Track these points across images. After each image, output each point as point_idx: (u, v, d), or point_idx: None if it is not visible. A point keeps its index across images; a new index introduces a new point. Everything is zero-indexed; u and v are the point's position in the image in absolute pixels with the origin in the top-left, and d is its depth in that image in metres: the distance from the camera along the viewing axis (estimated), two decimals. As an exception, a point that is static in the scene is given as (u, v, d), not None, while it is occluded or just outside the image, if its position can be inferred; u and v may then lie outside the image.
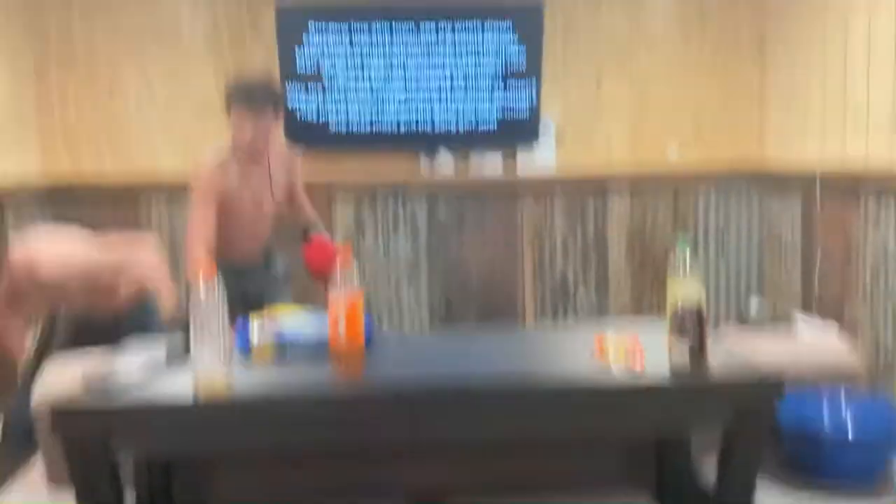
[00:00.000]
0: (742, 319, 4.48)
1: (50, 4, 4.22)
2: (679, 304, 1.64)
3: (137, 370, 1.63)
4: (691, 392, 1.63)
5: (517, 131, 4.31)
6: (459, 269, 4.48)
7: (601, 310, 4.58)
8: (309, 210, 3.29)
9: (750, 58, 4.44)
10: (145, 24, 4.26)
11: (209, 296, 1.54)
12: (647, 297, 4.59)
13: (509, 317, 4.51)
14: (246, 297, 2.91)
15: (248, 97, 2.80)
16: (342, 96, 4.24)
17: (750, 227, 4.58)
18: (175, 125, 4.29)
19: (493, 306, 4.52)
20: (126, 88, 4.25)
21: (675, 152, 4.48)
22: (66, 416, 1.48)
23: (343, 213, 4.43)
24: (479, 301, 4.53)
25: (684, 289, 1.64)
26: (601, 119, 4.47)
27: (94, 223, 2.63)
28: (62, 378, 1.89)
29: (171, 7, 4.26)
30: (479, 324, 4.45)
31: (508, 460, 1.96)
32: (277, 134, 3.03)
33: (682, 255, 1.65)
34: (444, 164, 4.35)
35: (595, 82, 4.44)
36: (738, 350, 1.79)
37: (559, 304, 4.56)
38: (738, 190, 4.52)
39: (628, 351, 1.71)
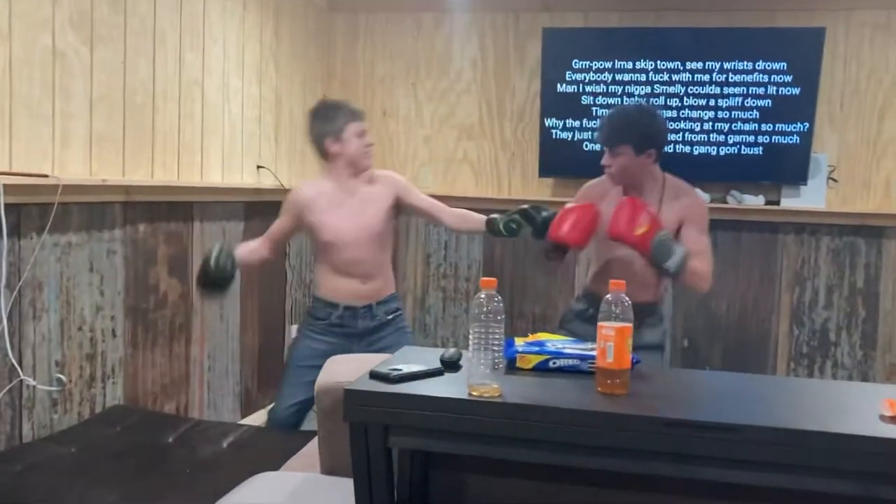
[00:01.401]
0: None
1: (341, 34, 4.67)
2: None
3: (416, 367, 1.75)
4: None
5: (784, 168, 4.08)
6: (707, 306, 4.31)
7: (865, 368, 4.18)
8: (466, 213, 3.13)
9: None
10: (419, 49, 4.58)
11: (490, 305, 1.62)
12: (922, 358, 4.13)
13: (758, 364, 4.26)
14: (360, 341, 2.93)
15: (360, 110, 3.00)
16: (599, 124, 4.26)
17: None
18: (439, 144, 4.56)
19: (742, 351, 4.29)
20: (397, 110, 4.58)
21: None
22: (356, 402, 1.61)
23: (590, 241, 4.43)
24: (725, 343, 4.32)
25: None
26: (881, 158, 4.11)
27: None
28: (343, 368, 2.08)
29: (444, 36, 4.54)
30: (724, 368, 4.24)
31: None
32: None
33: None
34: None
35: (876, 118, 4.09)
36: None
37: (817, 356, 4.23)
38: None
39: (926, 411, 1.55)
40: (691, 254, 2.60)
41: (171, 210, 3.28)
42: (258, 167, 3.94)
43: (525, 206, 2.92)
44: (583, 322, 2.87)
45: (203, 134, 3.48)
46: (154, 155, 3.15)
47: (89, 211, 2.81)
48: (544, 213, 2.87)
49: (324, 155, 2.97)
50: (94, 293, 2.85)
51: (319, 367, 2.30)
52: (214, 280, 2.82)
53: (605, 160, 2.75)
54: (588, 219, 2.69)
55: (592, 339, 2.36)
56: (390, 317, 3.01)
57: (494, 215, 2.98)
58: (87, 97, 2.77)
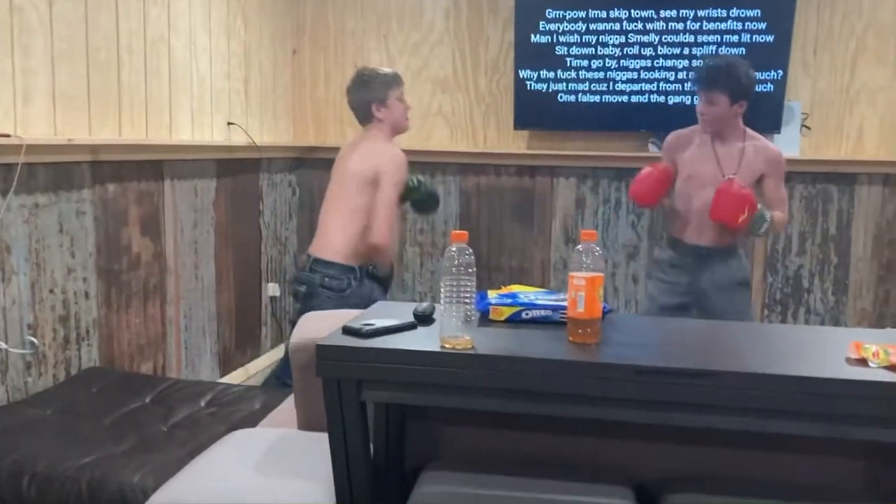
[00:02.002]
0: None
1: (308, -15, 4.57)
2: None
3: (389, 322, 1.75)
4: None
5: (758, 115, 4.07)
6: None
7: (836, 314, 4.25)
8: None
9: None
10: (390, 1, 4.50)
11: (461, 258, 1.61)
12: (892, 303, 4.19)
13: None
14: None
15: (399, 79, 3.18)
16: (574, 75, 4.24)
17: None
18: (412, 98, 4.50)
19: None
20: (369, 64, 4.51)
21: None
22: (328, 357, 1.62)
23: (565, 192, 4.44)
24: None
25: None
26: (853, 104, 4.12)
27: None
28: (318, 325, 2.08)
29: (416, -14, 4.46)
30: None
31: (739, 453, 1.89)
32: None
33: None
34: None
35: (849, 64, 4.10)
36: None
37: (790, 303, 4.29)
38: None
39: (891, 353, 1.57)
40: (773, 202, 3.03)
41: (141, 169, 3.23)
42: (229, 124, 3.89)
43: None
44: (672, 269, 3.18)
45: (171, 91, 3.42)
46: (121, 113, 3.09)
47: (56, 171, 2.76)
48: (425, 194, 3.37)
49: (367, 119, 3.18)
50: (64, 255, 2.82)
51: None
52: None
53: (701, 107, 3.00)
54: (653, 180, 3.08)
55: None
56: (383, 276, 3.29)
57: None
58: (48, 53, 2.70)
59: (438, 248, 4.60)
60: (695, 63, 4.07)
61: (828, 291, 4.24)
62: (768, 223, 2.95)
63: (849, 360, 1.60)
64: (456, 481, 1.77)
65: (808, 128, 4.15)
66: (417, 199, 3.37)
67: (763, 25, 4.01)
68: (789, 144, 4.12)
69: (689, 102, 4.11)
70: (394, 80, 3.16)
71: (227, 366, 3.96)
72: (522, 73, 4.28)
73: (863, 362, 1.58)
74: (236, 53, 3.96)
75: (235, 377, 3.99)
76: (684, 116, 4.15)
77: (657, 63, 4.14)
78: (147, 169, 3.27)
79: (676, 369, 1.53)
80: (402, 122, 3.19)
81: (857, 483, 1.85)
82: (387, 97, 3.13)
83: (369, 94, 3.13)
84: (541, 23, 4.21)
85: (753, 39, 4.03)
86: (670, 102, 4.15)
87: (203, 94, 3.67)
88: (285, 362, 3.34)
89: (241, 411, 2.56)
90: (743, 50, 4.04)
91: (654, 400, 1.54)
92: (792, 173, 4.18)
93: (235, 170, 3.98)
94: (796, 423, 1.53)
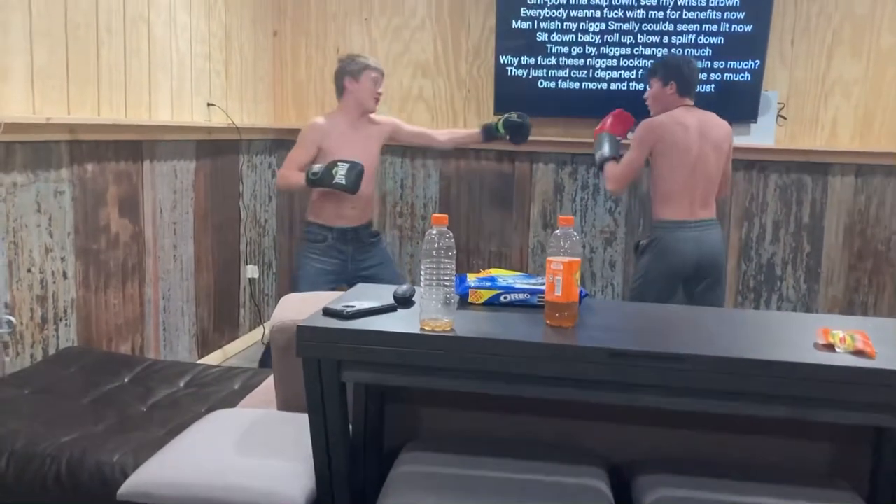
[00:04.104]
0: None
1: (290, -34, 4.54)
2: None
3: (369, 304, 1.77)
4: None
5: (735, 105, 4.13)
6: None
7: (808, 301, 4.33)
8: (457, 131, 3.91)
9: None
10: (373, -15, 4.48)
11: (441, 241, 1.64)
12: (862, 291, 4.28)
13: (707, 297, 4.37)
14: (352, 261, 3.44)
15: (380, 69, 3.42)
16: (554, 62, 4.26)
17: None
18: (393, 82, 4.51)
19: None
20: (351, 48, 4.50)
21: (912, 136, 4.11)
22: (308, 338, 1.64)
23: (544, 178, 4.47)
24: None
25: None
26: (829, 95, 4.18)
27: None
28: (298, 307, 2.09)
29: (398, -30, 4.45)
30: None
31: (709, 436, 1.94)
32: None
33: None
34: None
35: (825, 55, 4.15)
36: None
37: (763, 290, 4.36)
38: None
39: (858, 339, 1.62)
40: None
41: (120, 149, 3.21)
42: (208, 105, 3.87)
43: (512, 117, 3.63)
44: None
45: (150, 71, 3.39)
46: (100, 92, 3.07)
47: (34, 150, 2.74)
48: (524, 121, 3.63)
49: (340, 92, 3.42)
50: (42, 234, 2.80)
51: (327, 283, 3.35)
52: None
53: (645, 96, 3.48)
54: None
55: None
56: (373, 239, 3.53)
57: (489, 122, 3.71)
58: (26, 31, 2.68)
59: (418, 232, 4.62)
60: (674, 51, 4.11)
61: (800, 279, 4.32)
62: (598, 156, 3.45)
63: (816, 346, 1.65)
64: (434, 461, 1.80)
65: (784, 118, 4.20)
66: (510, 126, 3.62)
67: (742, 15, 4.05)
68: (765, 134, 4.18)
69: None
70: (373, 66, 3.40)
71: (205, 347, 3.97)
72: (503, 59, 4.30)
73: (830, 347, 1.62)
74: (217, 34, 3.93)
75: (213, 359, 4.00)
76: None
77: (637, 51, 4.17)
78: (126, 149, 3.25)
79: (649, 353, 1.57)
80: (367, 100, 3.39)
81: (822, 464, 1.91)
82: (361, 73, 3.36)
83: (347, 67, 3.39)
84: (522, 9, 4.22)
85: (732, 29, 4.07)
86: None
87: (183, 74, 3.65)
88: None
89: (220, 392, 2.57)
90: (721, 39, 4.08)
91: (628, 382, 1.58)
92: (767, 162, 4.25)
93: (215, 151, 3.97)
94: (765, 405, 1.57)
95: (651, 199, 3.39)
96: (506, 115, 3.63)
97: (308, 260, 3.40)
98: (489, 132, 3.66)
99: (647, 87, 3.41)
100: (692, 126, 3.24)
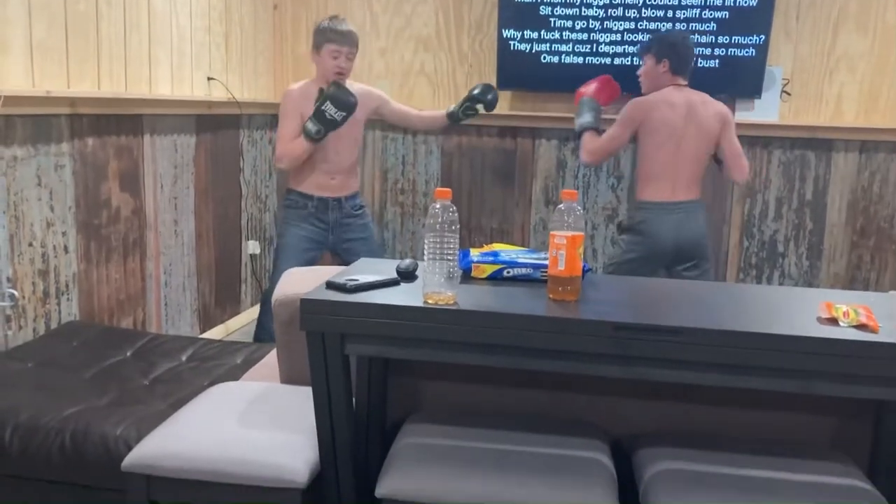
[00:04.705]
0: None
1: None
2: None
3: (372, 277, 1.77)
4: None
5: (739, 80, 4.10)
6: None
7: (810, 278, 4.33)
8: (427, 113, 3.70)
9: None
10: (375, -42, 4.43)
11: (445, 216, 1.63)
12: (864, 268, 4.28)
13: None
14: (333, 232, 3.41)
15: (347, 34, 3.24)
16: (557, 36, 4.22)
17: None
18: (395, 56, 4.47)
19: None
20: (352, 21, 4.45)
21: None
22: (312, 311, 1.64)
23: (546, 154, 4.45)
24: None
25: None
26: (833, 71, 4.15)
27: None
28: (300, 281, 2.09)
29: (400, -58, 4.40)
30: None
31: (711, 410, 1.94)
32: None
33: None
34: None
35: (831, 30, 4.12)
36: None
37: (765, 267, 4.36)
38: None
39: (862, 313, 1.62)
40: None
41: (120, 123, 3.19)
42: (208, 79, 3.84)
43: (474, 92, 3.52)
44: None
45: (150, 44, 3.37)
46: (100, 66, 3.05)
47: (34, 124, 2.72)
48: (489, 96, 3.51)
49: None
50: (43, 208, 2.80)
51: (308, 251, 3.38)
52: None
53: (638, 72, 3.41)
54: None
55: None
56: (357, 211, 3.46)
57: (452, 107, 3.56)
58: (24, 3, 2.65)
59: (419, 209, 4.61)
60: (678, 26, 4.07)
61: (802, 256, 4.32)
62: (577, 123, 3.40)
63: (820, 320, 1.64)
64: (437, 434, 1.81)
65: (788, 93, 4.18)
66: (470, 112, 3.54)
67: (747, -11, 4.01)
68: (769, 110, 4.15)
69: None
70: (331, 34, 3.22)
71: (206, 322, 3.97)
72: (506, 33, 4.26)
73: (833, 322, 1.62)
74: (216, 7, 3.90)
75: (215, 334, 4.00)
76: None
77: (640, 25, 4.13)
78: (126, 123, 3.23)
79: (653, 326, 1.57)
80: (328, 74, 3.24)
81: (823, 437, 1.92)
82: (321, 47, 3.24)
83: (314, 37, 3.28)
84: (525, -18, 4.18)
85: (737, 3, 4.03)
86: (653, 65, 4.14)
87: (183, 48, 3.62)
88: (261, 320, 3.43)
89: (222, 366, 2.58)
90: (726, 14, 4.04)
91: (631, 356, 1.58)
92: (771, 139, 4.22)
93: (215, 126, 3.95)
94: (768, 379, 1.57)
95: (635, 178, 3.35)
96: (466, 103, 3.50)
97: (288, 226, 3.37)
98: (453, 118, 3.55)
99: (641, 62, 3.34)
100: (680, 106, 3.20)
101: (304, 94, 3.27)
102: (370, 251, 3.40)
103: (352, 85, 3.31)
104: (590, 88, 3.50)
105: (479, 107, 3.52)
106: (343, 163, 3.36)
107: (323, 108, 3.12)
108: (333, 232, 3.41)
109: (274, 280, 3.32)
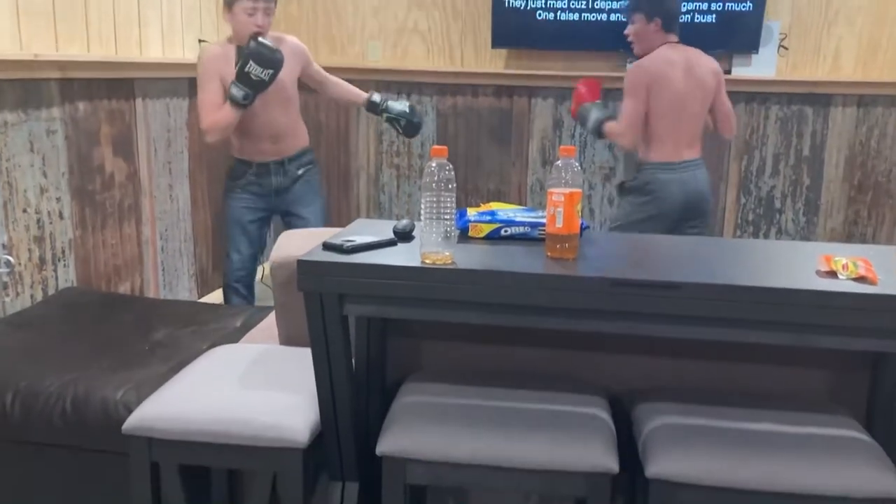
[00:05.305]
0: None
1: None
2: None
3: (369, 238, 1.76)
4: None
5: (736, 35, 4.05)
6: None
7: (807, 234, 4.33)
8: (348, 86, 3.44)
9: None
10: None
11: (441, 174, 1.62)
12: (861, 223, 4.28)
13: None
14: (276, 196, 3.25)
15: None
16: None
17: None
18: (388, 14, 4.41)
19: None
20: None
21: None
22: (309, 271, 1.63)
23: (542, 113, 4.41)
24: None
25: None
26: (832, 24, 4.10)
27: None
28: (297, 243, 2.08)
29: None
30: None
31: (710, 364, 1.95)
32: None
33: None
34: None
35: (830, -16, 4.07)
36: None
37: (762, 223, 4.35)
38: None
39: (861, 265, 1.62)
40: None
41: (112, 87, 3.15)
42: (200, 41, 3.79)
43: (401, 119, 3.35)
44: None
45: (140, 5, 3.31)
46: (89, 28, 3.00)
47: (23, 88, 2.69)
48: (410, 130, 3.38)
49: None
50: (36, 174, 2.77)
51: (253, 221, 3.25)
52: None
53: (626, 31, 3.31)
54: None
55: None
56: (301, 171, 3.27)
57: (376, 98, 3.35)
58: (9, -35, 2.60)
59: (415, 171, 4.58)
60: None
61: (799, 212, 4.31)
62: (592, 122, 3.32)
63: (819, 273, 1.64)
64: (436, 392, 1.81)
65: (786, 48, 4.13)
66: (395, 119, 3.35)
67: (745, -58, 3.95)
68: (766, 65, 4.11)
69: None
70: None
71: (204, 287, 3.97)
72: (500, -10, 4.20)
73: (832, 274, 1.62)
74: (206, -33, 3.83)
75: (213, 298, 4.00)
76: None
77: (637, -20, 4.06)
78: (117, 87, 3.19)
79: (651, 281, 1.56)
80: (240, 33, 3.00)
81: (820, 390, 1.93)
82: (233, 5, 2.98)
83: None
84: (519, -63, 4.11)
85: (735, -44, 3.97)
86: (649, 21, 4.09)
87: (173, 10, 3.56)
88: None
89: (221, 329, 2.58)
90: (724, -33, 3.98)
91: (630, 311, 1.58)
92: (768, 94, 4.19)
93: (208, 89, 3.89)
94: (767, 333, 1.57)
95: (638, 139, 3.28)
96: (390, 116, 3.34)
97: (229, 199, 3.26)
98: (373, 109, 3.36)
99: (630, 22, 3.24)
100: (679, 65, 3.16)
101: (222, 56, 3.02)
102: (313, 216, 3.26)
103: (280, 40, 3.08)
104: (581, 97, 3.43)
105: (398, 124, 3.36)
106: (278, 125, 3.15)
107: (247, 69, 2.85)
108: (276, 196, 3.24)
109: (228, 261, 3.31)
